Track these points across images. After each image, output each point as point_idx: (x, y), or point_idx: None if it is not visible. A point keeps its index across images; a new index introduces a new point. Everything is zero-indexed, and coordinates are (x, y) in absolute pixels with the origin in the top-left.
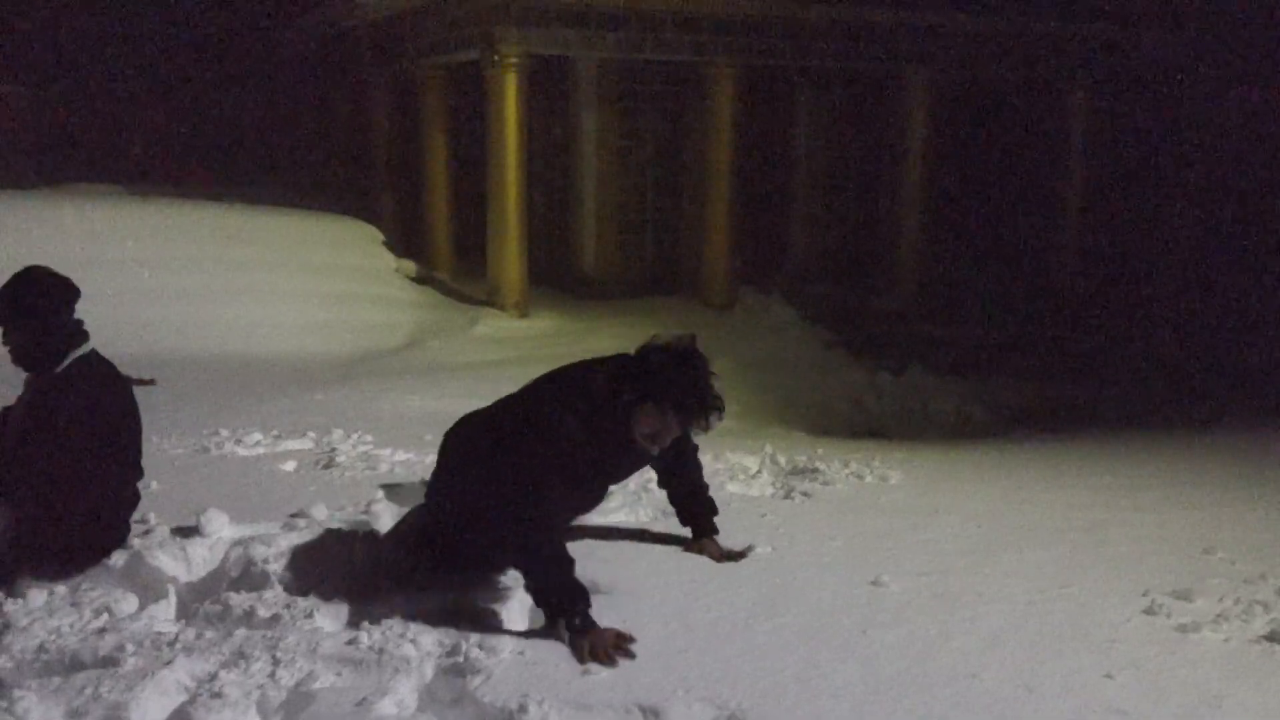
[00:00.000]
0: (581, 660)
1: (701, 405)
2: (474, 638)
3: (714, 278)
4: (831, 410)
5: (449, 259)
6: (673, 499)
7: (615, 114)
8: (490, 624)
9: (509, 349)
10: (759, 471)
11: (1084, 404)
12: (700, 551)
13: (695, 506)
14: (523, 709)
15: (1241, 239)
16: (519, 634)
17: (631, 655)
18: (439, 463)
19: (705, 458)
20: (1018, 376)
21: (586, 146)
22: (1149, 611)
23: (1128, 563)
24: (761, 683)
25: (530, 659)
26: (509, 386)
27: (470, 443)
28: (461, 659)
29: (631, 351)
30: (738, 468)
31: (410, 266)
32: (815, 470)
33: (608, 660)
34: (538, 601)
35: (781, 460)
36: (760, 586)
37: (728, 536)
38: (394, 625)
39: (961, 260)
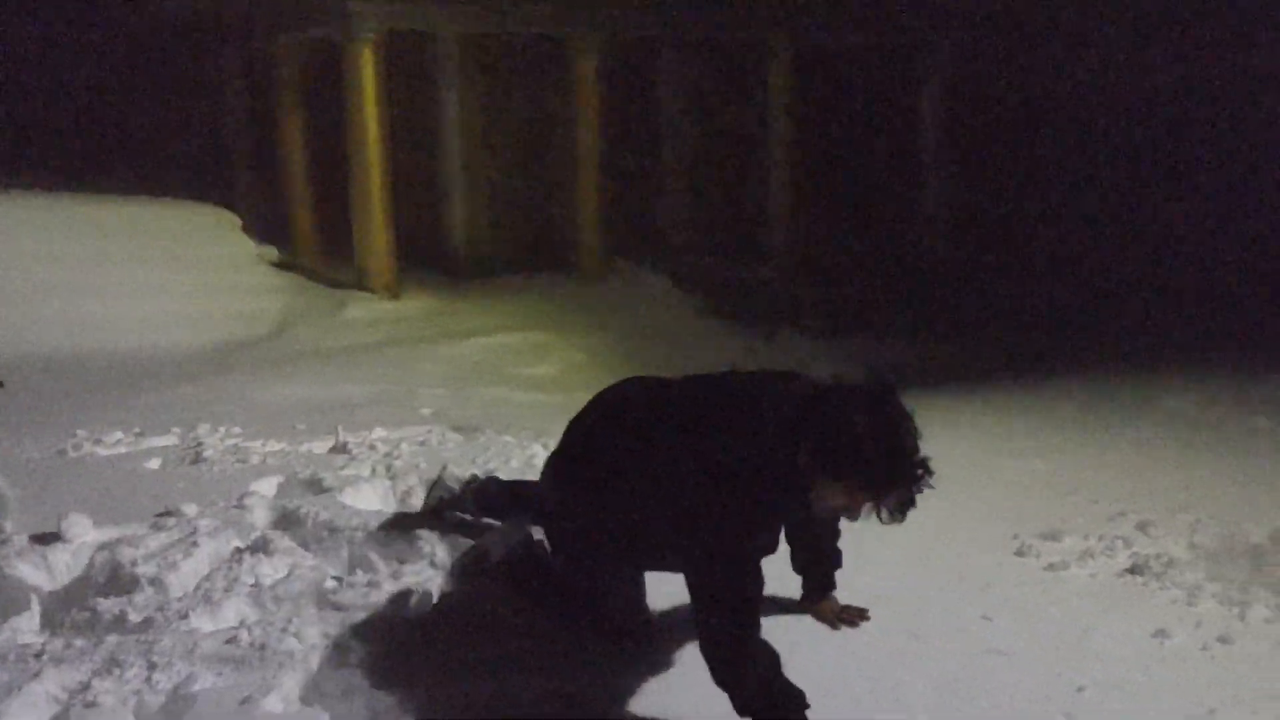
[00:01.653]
0: None
1: (904, 490)
2: (361, 627)
3: (586, 250)
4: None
5: (313, 243)
6: (793, 540)
7: (480, 88)
8: (378, 610)
9: (381, 332)
10: None
11: (954, 359)
12: (812, 612)
13: (820, 553)
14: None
15: (1114, 187)
16: (409, 620)
17: None
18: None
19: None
20: (890, 336)
21: (451, 123)
22: (1020, 554)
23: (1000, 509)
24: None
25: (424, 639)
26: (383, 370)
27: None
28: (349, 650)
29: (822, 382)
30: None
31: (272, 252)
32: None
33: None
34: (744, 708)
35: None
36: None
37: None
38: (275, 620)
39: (830, 225)
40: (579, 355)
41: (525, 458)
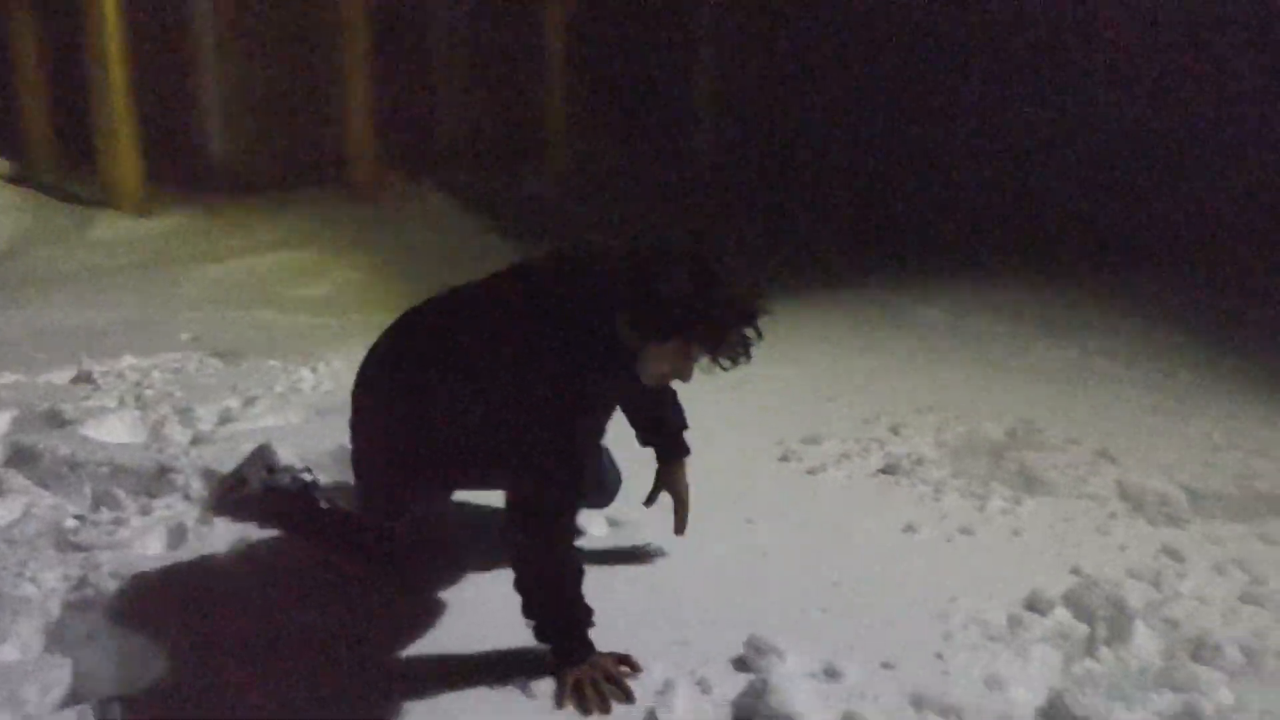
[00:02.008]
0: (561, 702)
1: (736, 333)
2: (106, 567)
3: (358, 165)
4: None
5: (51, 155)
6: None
7: None
8: (124, 549)
9: (131, 253)
10: None
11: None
12: (669, 487)
13: (659, 418)
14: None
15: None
16: (158, 557)
17: (630, 698)
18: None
19: (360, 354)
20: None
21: (203, 23)
22: (784, 459)
23: (766, 417)
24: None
25: (174, 577)
26: (134, 294)
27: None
28: (92, 592)
29: (620, 255)
30: None
31: (3, 165)
32: None
33: (599, 704)
34: (529, 613)
35: None
36: None
37: None
38: (9, 565)
39: (611, 136)
40: (352, 275)
41: (290, 383)
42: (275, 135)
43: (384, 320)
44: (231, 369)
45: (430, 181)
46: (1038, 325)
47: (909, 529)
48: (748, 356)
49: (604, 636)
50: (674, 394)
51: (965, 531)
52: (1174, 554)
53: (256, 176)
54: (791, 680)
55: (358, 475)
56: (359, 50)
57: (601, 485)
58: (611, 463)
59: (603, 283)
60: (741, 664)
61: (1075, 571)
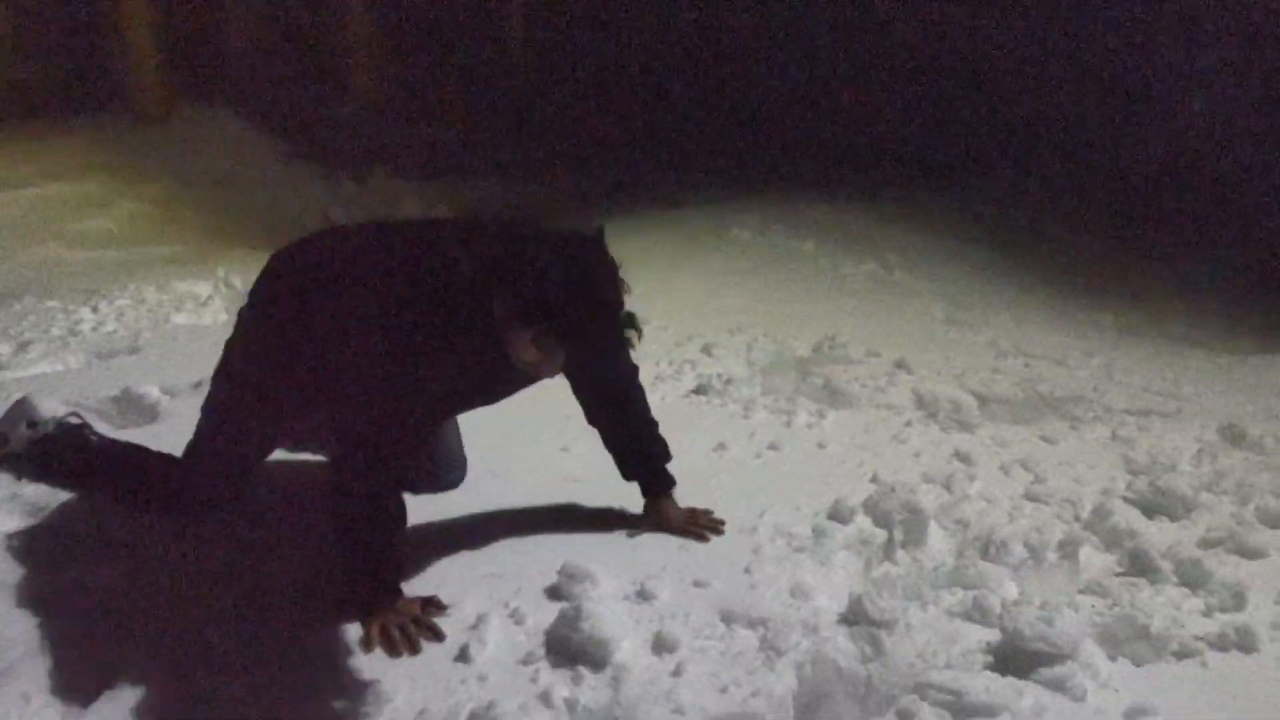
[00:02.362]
0: (368, 646)
1: (594, 337)
2: None
3: (143, 87)
4: (299, 224)
5: None
6: (608, 442)
7: None
8: None
9: None
10: (210, 298)
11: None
12: (658, 524)
13: (639, 452)
14: None
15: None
16: None
17: (439, 636)
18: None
19: (149, 290)
20: (482, 176)
21: None
22: None
23: None
24: None
25: None
26: None
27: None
28: None
29: (509, 232)
30: (186, 296)
31: None
32: None
33: (407, 645)
34: (341, 553)
35: (237, 283)
36: None
37: (176, 371)
38: None
39: (416, 60)
40: (143, 206)
41: (70, 324)
42: (48, 57)
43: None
44: (3, 312)
45: (226, 105)
46: (841, 242)
47: (720, 448)
48: (606, 362)
49: (416, 573)
50: (654, 424)
51: (773, 447)
52: (964, 457)
53: (24, 101)
54: (604, 604)
55: (213, 397)
56: None
57: (434, 475)
58: (459, 456)
59: (490, 258)
60: (555, 592)
61: (874, 480)
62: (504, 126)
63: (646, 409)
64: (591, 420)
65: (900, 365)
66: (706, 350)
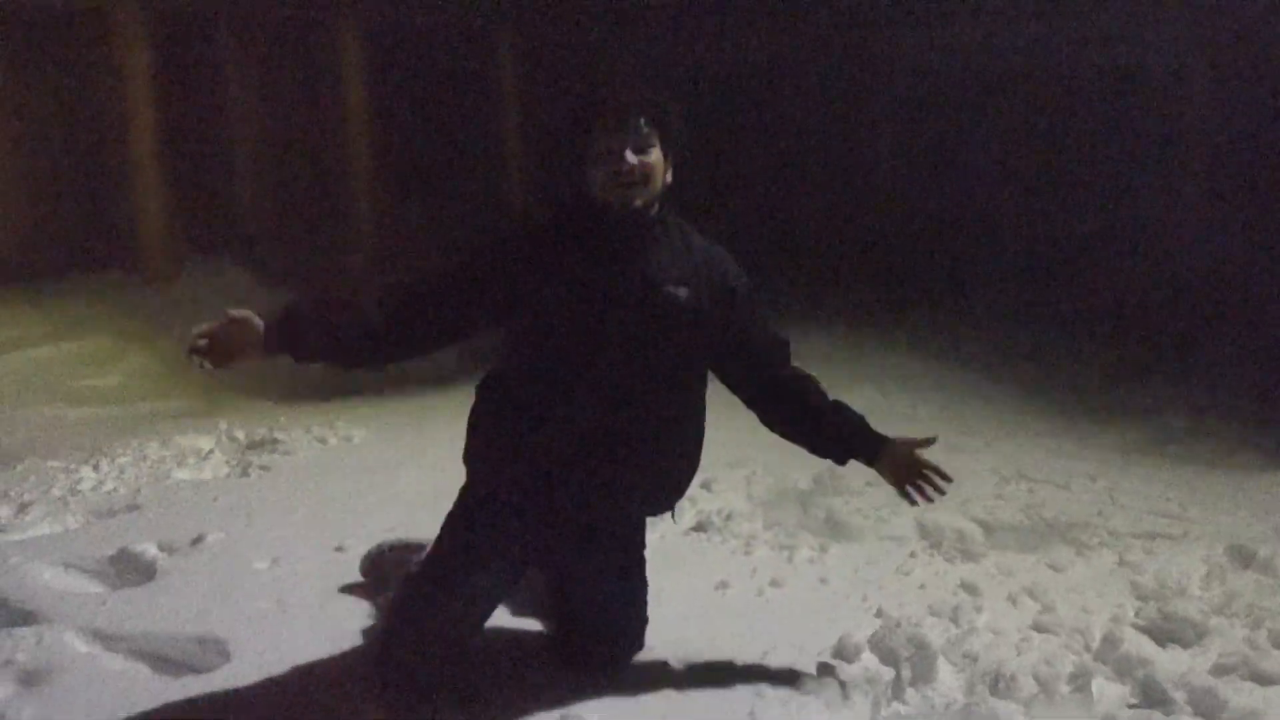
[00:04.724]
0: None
1: (601, 95)
2: None
3: (152, 246)
4: (300, 376)
5: None
6: (791, 429)
7: (6, 67)
8: None
9: None
10: (212, 451)
11: None
12: (894, 469)
13: (836, 426)
14: None
15: None
16: None
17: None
18: None
19: (151, 446)
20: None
21: None
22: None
23: None
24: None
25: None
26: None
27: None
28: None
29: None
30: (188, 451)
31: None
32: (275, 441)
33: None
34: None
35: (240, 435)
36: (214, 576)
37: (174, 527)
38: None
39: (419, 208)
40: (149, 362)
41: (70, 483)
42: (57, 221)
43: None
44: (6, 473)
45: (233, 260)
46: (839, 370)
47: (721, 586)
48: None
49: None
50: (805, 373)
51: (775, 584)
52: (970, 588)
53: (37, 264)
54: None
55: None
56: (145, 133)
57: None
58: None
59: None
60: None
61: (879, 614)
62: None
63: (817, 382)
64: (765, 415)
65: None
66: (706, 486)
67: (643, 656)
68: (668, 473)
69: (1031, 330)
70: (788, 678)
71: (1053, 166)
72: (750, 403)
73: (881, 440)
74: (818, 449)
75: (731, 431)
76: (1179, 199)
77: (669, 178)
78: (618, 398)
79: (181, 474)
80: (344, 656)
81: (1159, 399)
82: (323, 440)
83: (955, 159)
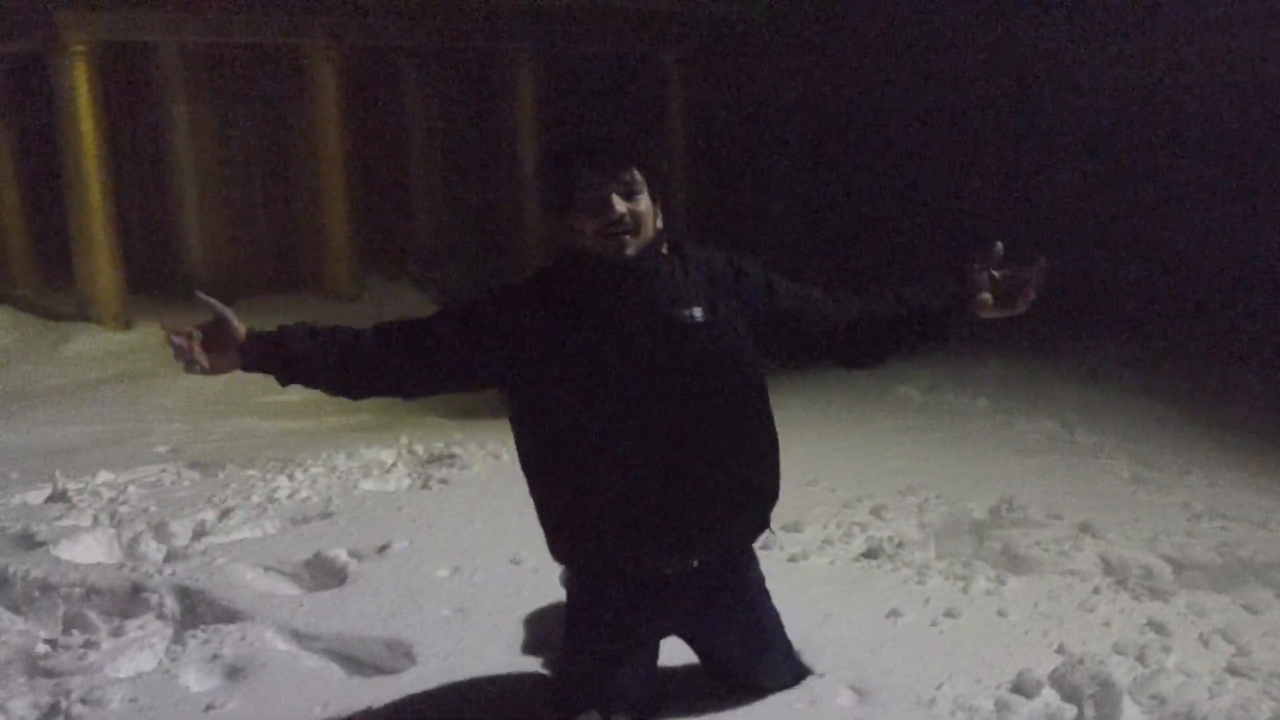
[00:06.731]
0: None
1: (585, 143)
2: (76, 692)
3: (337, 268)
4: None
5: (30, 271)
6: (888, 347)
7: (209, 101)
8: (94, 672)
9: (111, 365)
10: (394, 465)
11: None
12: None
13: (909, 306)
14: None
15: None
16: (130, 679)
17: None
18: None
19: (339, 458)
20: None
21: (179, 138)
22: (765, 547)
23: None
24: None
25: (144, 704)
26: (112, 407)
27: None
28: (62, 718)
29: None
30: (373, 463)
31: None
32: (453, 456)
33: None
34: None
35: (419, 450)
36: (400, 582)
37: (363, 535)
38: None
39: None
40: None
41: (268, 491)
42: (253, 244)
43: (360, 422)
44: (209, 480)
45: (410, 281)
46: (1015, 399)
47: (893, 614)
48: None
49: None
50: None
51: (950, 615)
52: (1159, 628)
53: (236, 285)
54: None
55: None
56: (335, 161)
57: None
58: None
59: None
60: None
61: (1061, 651)
62: None
63: (867, 293)
64: (863, 353)
65: (1085, 528)
66: (876, 513)
67: (817, 683)
68: (748, 493)
69: (1223, 361)
70: (964, 711)
71: (1248, 188)
72: (842, 358)
73: (959, 286)
74: (921, 343)
75: (901, 459)
76: None
77: (659, 223)
78: (668, 439)
79: (368, 484)
80: (523, 664)
81: None
82: (496, 456)
83: (1143, 180)
